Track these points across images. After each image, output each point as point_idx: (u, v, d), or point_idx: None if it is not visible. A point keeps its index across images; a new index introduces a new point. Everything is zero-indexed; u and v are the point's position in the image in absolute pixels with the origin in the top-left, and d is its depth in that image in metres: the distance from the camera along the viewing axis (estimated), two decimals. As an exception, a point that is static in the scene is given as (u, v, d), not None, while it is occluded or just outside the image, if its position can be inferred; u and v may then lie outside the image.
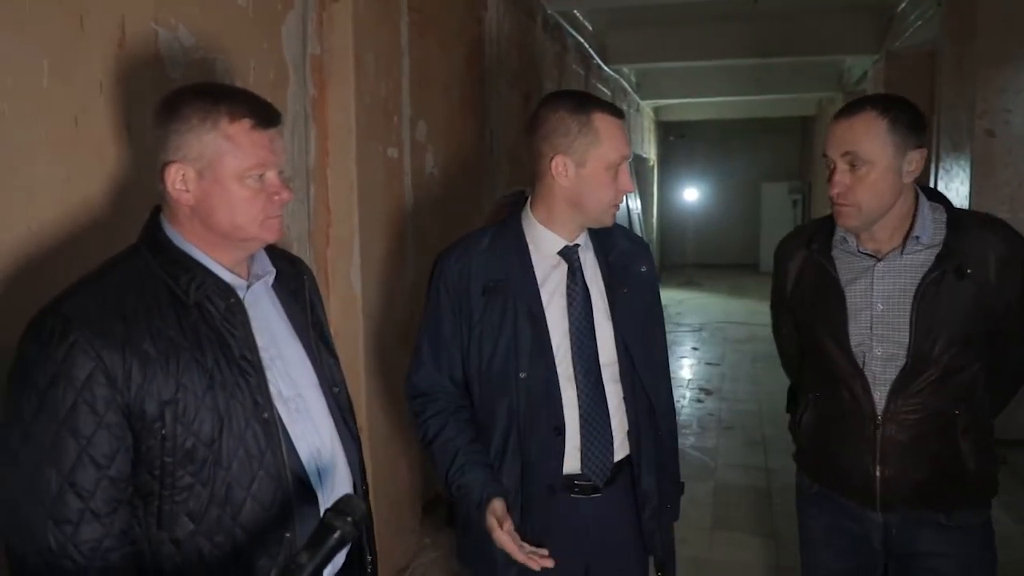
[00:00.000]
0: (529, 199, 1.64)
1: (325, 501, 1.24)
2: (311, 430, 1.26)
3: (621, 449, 1.60)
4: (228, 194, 1.16)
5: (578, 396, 1.55)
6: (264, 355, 1.21)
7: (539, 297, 1.55)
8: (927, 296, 1.52)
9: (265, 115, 1.19)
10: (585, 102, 1.54)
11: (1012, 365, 1.66)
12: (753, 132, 14.15)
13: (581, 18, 6.90)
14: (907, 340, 1.53)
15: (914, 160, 1.51)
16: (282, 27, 2.42)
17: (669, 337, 2.01)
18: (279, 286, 1.32)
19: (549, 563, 1.45)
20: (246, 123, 1.16)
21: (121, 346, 1.07)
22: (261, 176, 1.18)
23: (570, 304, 1.57)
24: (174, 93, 1.19)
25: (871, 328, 1.57)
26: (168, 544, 1.12)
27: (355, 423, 1.41)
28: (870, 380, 1.58)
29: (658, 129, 13.70)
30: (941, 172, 5.04)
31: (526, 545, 1.46)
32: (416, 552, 3.23)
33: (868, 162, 1.48)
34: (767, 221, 13.73)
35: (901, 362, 1.54)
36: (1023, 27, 4.33)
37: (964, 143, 4.59)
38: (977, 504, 1.61)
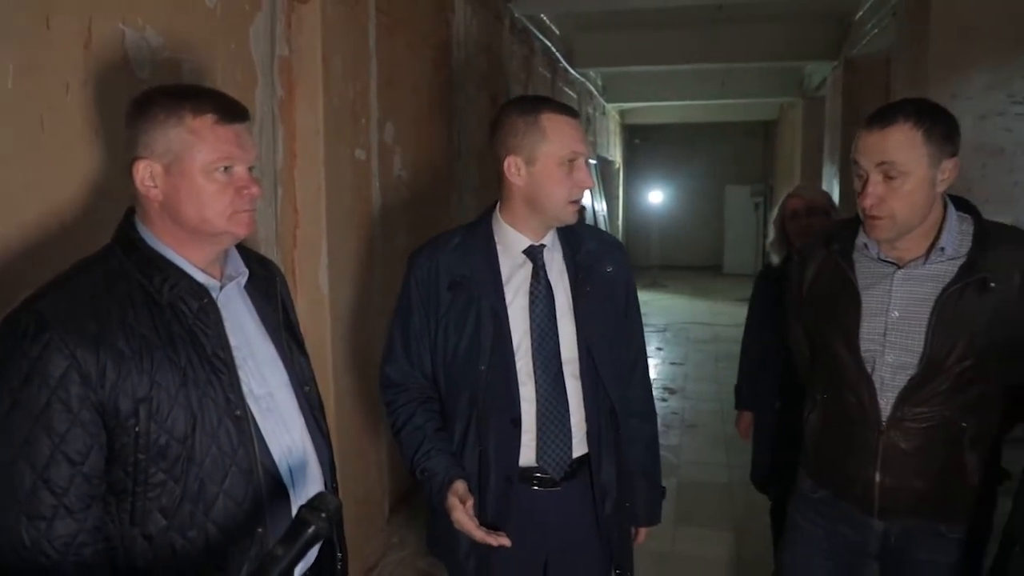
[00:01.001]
0: (498, 202, 1.68)
1: (296, 498, 1.26)
2: (282, 428, 1.28)
3: (581, 445, 1.64)
4: (195, 188, 1.17)
5: (536, 391, 1.59)
6: (236, 354, 1.23)
7: (502, 294, 1.59)
8: (947, 307, 1.48)
9: (230, 110, 1.21)
10: (535, 104, 1.59)
11: None
12: (717, 136, 14.36)
13: (548, 22, 6.96)
14: (921, 348, 1.50)
15: (947, 169, 1.47)
16: (250, 28, 2.42)
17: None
18: (251, 287, 1.34)
19: (506, 542, 1.50)
20: (210, 118, 1.18)
21: (95, 344, 1.08)
22: (228, 170, 1.20)
23: (532, 302, 1.61)
24: (142, 93, 1.21)
25: (884, 334, 1.55)
26: (141, 540, 1.14)
27: (325, 421, 1.44)
28: (877, 386, 1.55)
29: (624, 132, 13.83)
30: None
31: (476, 529, 1.51)
32: (384, 551, 3.24)
33: (904, 173, 1.44)
34: (730, 223, 13.95)
35: (912, 370, 1.51)
36: (974, 36, 4.48)
37: (917, 148, 4.73)
38: (977, 516, 1.57)
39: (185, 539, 1.15)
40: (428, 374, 1.66)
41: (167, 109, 1.17)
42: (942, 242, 1.51)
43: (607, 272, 1.70)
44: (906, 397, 1.52)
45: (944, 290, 1.49)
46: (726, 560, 3.27)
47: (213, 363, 1.19)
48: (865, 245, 1.60)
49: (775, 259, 2.72)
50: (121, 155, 1.79)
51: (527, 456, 1.60)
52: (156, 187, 1.18)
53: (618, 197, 12.92)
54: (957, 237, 1.53)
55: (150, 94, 1.20)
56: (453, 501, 1.52)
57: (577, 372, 1.62)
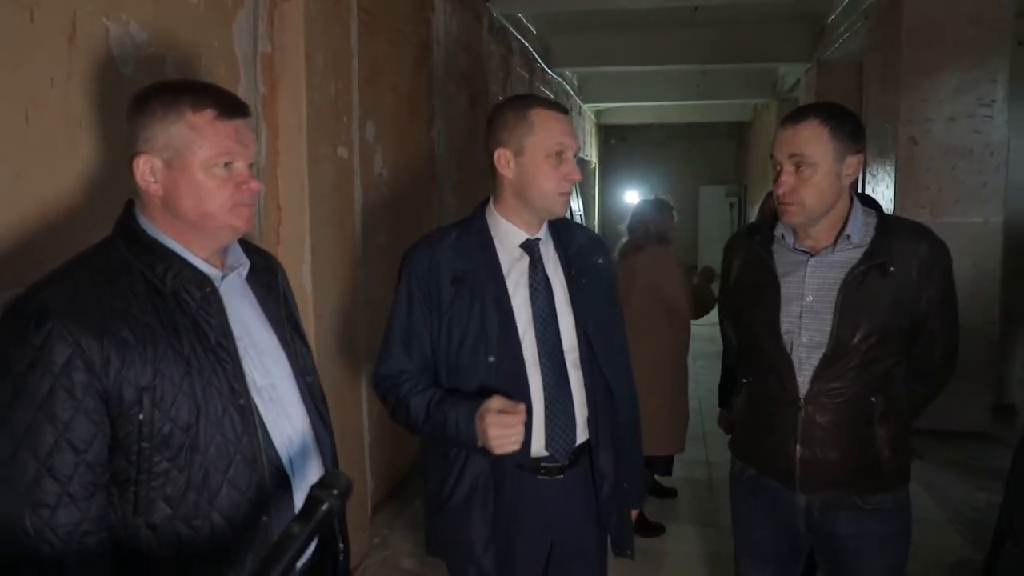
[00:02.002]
0: (492, 197, 1.70)
1: (298, 487, 1.26)
2: (284, 418, 1.28)
3: (582, 432, 1.67)
4: (195, 183, 1.17)
5: (543, 380, 1.61)
6: (238, 344, 1.23)
7: (505, 287, 1.61)
8: (850, 289, 1.63)
9: (230, 106, 1.21)
10: (526, 100, 1.64)
11: (936, 362, 1.77)
12: (692, 136, 14.50)
13: (526, 21, 6.98)
14: (830, 328, 1.64)
15: (852, 164, 1.63)
16: (233, 25, 2.40)
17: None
18: (252, 278, 1.34)
19: (522, 407, 1.46)
20: (209, 113, 1.17)
21: (99, 332, 1.08)
22: (228, 165, 1.20)
23: (532, 294, 1.64)
24: (143, 89, 1.21)
25: (800, 317, 1.68)
26: (145, 529, 1.13)
27: (328, 412, 1.44)
28: (795, 365, 1.67)
29: (599, 132, 13.91)
30: (868, 177, 5.28)
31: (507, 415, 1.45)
32: (367, 551, 3.23)
33: (811, 164, 1.60)
34: (705, 223, 14.09)
35: (824, 349, 1.64)
36: (944, 41, 4.58)
37: (889, 150, 4.83)
38: (890, 489, 1.70)
39: (190, 528, 1.15)
40: (428, 369, 1.65)
41: (167, 105, 1.16)
42: (848, 230, 1.66)
43: (599, 264, 1.76)
44: (819, 374, 1.65)
45: (849, 273, 1.64)
46: (706, 555, 3.31)
47: (217, 352, 1.18)
48: (783, 236, 1.74)
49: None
50: (108, 149, 1.79)
51: (536, 445, 1.61)
52: (156, 182, 1.18)
53: (594, 197, 12.98)
54: (862, 228, 1.67)
55: (150, 90, 1.20)
56: (488, 406, 1.45)
57: (577, 361, 1.66)
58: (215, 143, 1.17)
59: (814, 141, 1.60)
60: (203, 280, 1.21)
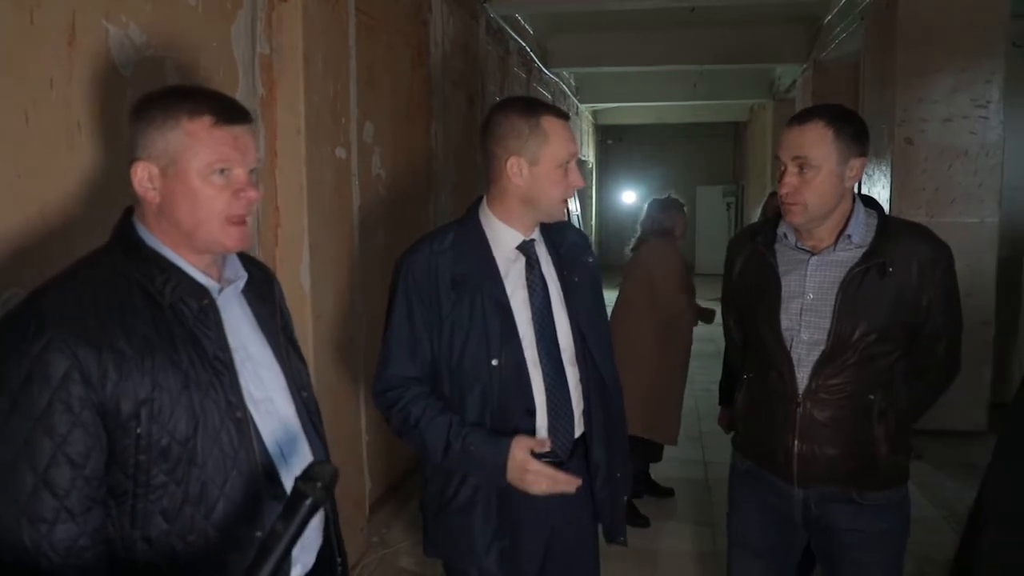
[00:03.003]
0: (485, 198, 1.71)
1: None
2: (281, 432, 1.27)
3: (579, 426, 1.70)
4: (191, 191, 1.16)
5: (544, 379, 1.64)
6: (235, 357, 1.21)
7: (504, 289, 1.63)
8: (851, 287, 1.65)
9: (228, 112, 1.19)
10: (534, 106, 1.65)
11: (940, 361, 1.78)
12: (689, 136, 14.53)
13: (523, 22, 6.99)
14: (830, 325, 1.66)
15: (855, 167, 1.65)
16: (232, 26, 2.41)
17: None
18: (249, 291, 1.32)
19: (578, 481, 1.57)
20: (207, 120, 1.16)
21: (97, 344, 1.07)
22: (225, 172, 1.17)
23: (531, 294, 1.66)
24: (144, 95, 1.20)
25: (800, 314, 1.70)
26: (141, 543, 1.12)
27: (322, 426, 1.42)
28: (795, 361, 1.70)
29: (597, 132, 13.92)
30: (864, 178, 5.30)
31: (559, 473, 1.56)
32: (365, 550, 3.24)
33: (815, 166, 1.62)
34: (702, 223, 14.09)
35: (823, 346, 1.67)
36: (939, 42, 4.60)
37: (885, 150, 4.85)
38: (888, 486, 1.72)
39: (185, 543, 1.14)
40: (429, 374, 1.66)
41: (164, 111, 1.15)
42: (849, 230, 1.68)
43: (589, 262, 1.79)
44: (818, 371, 1.68)
45: (849, 272, 1.66)
46: (703, 554, 3.32)
47: (214, 365, 1.17)
48: (785, 235, 1.76)
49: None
50: (107, 151, 1.80)
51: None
52: (154, 189, 1.17)
53: (592, 197, 13.00)
54: (863, 228, 1.70)
55: (151, 96, 1.19)
56: (520, 457, 1.53)
57: (573, 357, 1.69)
58: (212, 150, 1.16)
59: (818, 143, 1.62)
60: (201, 292, 1.19)
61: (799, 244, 1.74)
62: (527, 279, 1.66)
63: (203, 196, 1.17)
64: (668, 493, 3.94)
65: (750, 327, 1.84)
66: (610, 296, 3.12)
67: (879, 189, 4.98)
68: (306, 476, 0.93)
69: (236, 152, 1.18)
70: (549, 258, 1.73)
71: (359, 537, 3.21)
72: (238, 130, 1.20)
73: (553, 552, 1.72)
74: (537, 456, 1.63)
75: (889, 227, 1.70)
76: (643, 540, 3.43)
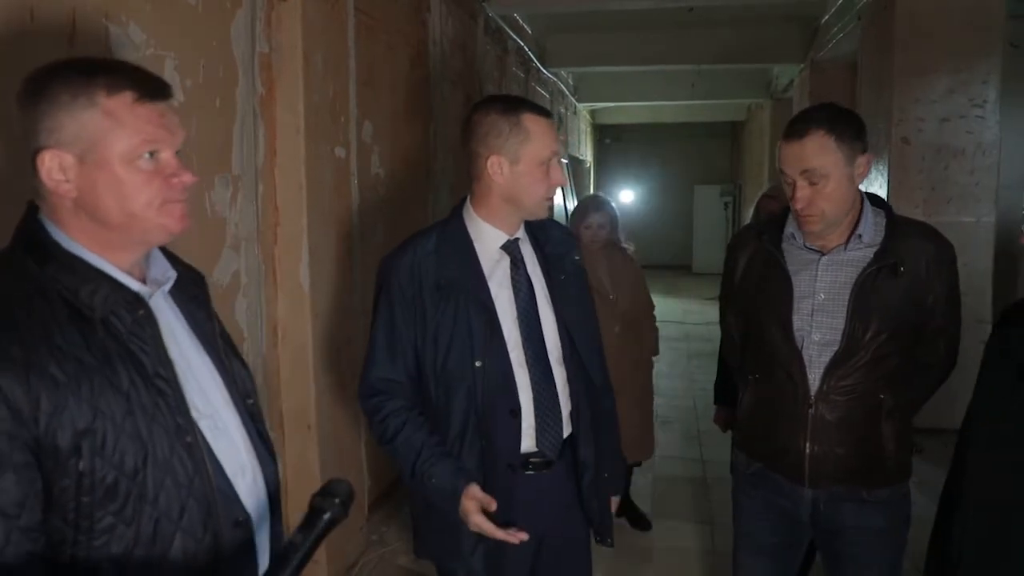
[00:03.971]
0: (469, 198, 1.71)
1: (257, 525, 1.16)
2: (232, 449, 1.14)
3: (566, 427, 1.69)
4: (116, 180, 1.00)
5: (530, 379, 1.63)
6: (176, 371, 1.07)
7: (488, 290, 1.63)
8: (864, 288, 1.65)
9: (150, 86, 1.03)
10: (514, 104, 1.64)
11: (940, 358, 1.80)
12: (686, 136, 14.53)
13: (521, 22, 7.00)
14: (843, 326, 1.66)
15: (862, 164, 1.65)
16: (231, 25, 2.41)
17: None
18: (177, 292, 1.16)
19: (524, 536, 1.54)
20: (128, 95, 1.00)
21: (24, 372, 0.91)
22: (153, 155, 1.03)
23: (516, 294, 1.65)
24: (40, 69, 1.01)
25: (812, 315, 1.69)
26: None
27: (268, 433, 1.29)
28: (807, 362, 1.69)
29: (594, 132, 13.93)
30: (862, 177, 5.30)
31: (498, 531, 1.54)
32: (364, 549, 3.25)
33: (824, 175, 1.61)
34: (699, 223, 14.12)
35: (836, 346, 1.66)
36: (936, 41, 4.61)
37: (882, 150, 4.86)
38: (893, 483, 1.74)
39: None
40: (414, 376, 1.66)
41: (74, 88, 0.98)
42: (860, 230, 1.68)
43: (575, 260, 1.79)
44: (831, 372, 1.68)
45: (861, 273, 1.66)
46: (702, 551, 3.33)
47: (156, 384, 1.02)
48: (792, 235, 1.76)
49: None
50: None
51: (526, 443, 1.63)
52: (68, 181, 1.00)
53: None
54: (872, 227, 1.70)
55: (51, 71, 1.00)
56: (470, 506, 1.54)
57: (560, 358, 1.68)
58: (137, 130, 1.00)
59: (822, 152, 1.60)
60: (134, 301, 1.04)
61: (808, 244, 1.73)
62: (512, 279, 1.66)
63: (131, 185, 1.01)
64: (645, 527, 3.55)
65: (755, 327, 1.83)
66: (609, 295, 3.13)
67: (876, 188, 4.99)
68: (324, 492, 0.93)
69: (163, 131, 1.03)
70: (535, 257, 1.72)
71: (358, 536, 3.22)
72: (163, 106, 1.04)
73: (543, 554, 1.72)
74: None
75: (898, 226, 1.70)
76: (642, 538, 3.45)
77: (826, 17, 6.64)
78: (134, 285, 1.06)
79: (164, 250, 1.17)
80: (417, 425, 1.63)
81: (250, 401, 1.22)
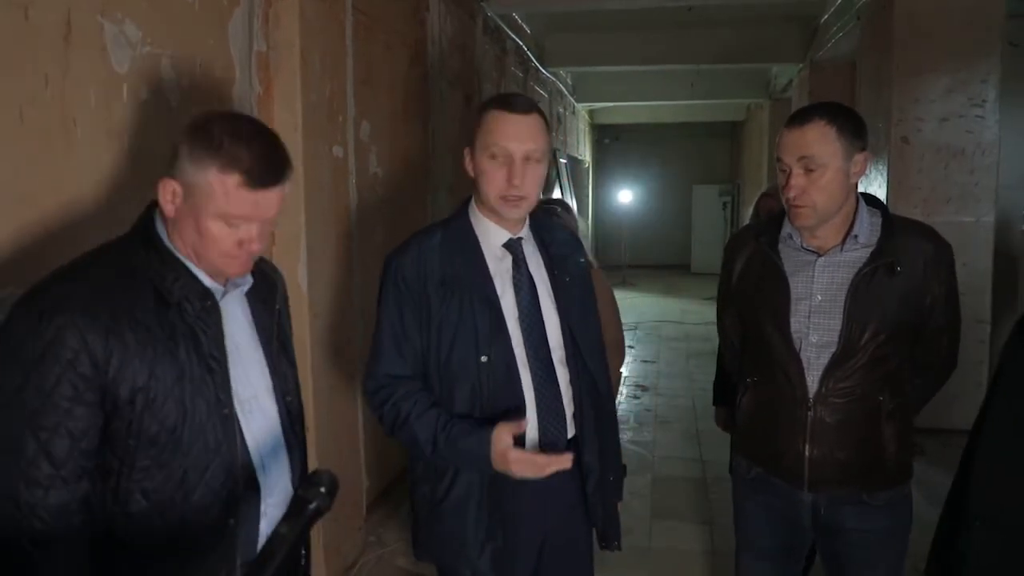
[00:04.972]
0: (474, 195, 1.70)
1: (267, 496, 1.34)
2: (263, 431, 1.35)
3: (569, 428, 1.68)
4: (202, 226, 1.22)
5: (533, 378, 1.62)
6: (228, 357, 1.28)
7: (493, 286, 1.62)
8: (860, 289, 1.64)
9: (262, 175, 1.21)
10: (494, 98, 1.64)
11: (940, 358, 1.80)
12: (685, 136, 14.53)
13: (520, 21, 6.99)
14: (840, 327, 1.65)
15: (859, 162, 1.64)
16: (229, 23, 2.40)
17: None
18: (252, 293, 1.39)
19: (568, 461, 1.52)
20: (235, 179, 1.19)
21: (105, 332, 1.14)
22: (235, 225, 1.23)
23: (517, 293, 1.64)
24: (200, 119, 1.24)
25: (809, 316, 1.69)
26: (121, 517, 1.20)
27: (303, 432, 1.49)
28: (805, 364, 1.68)
29: (593, 131, 13.92)
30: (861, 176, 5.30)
31: (539, 457, 1.51)
32: (363, 549, 3.24)
33: (821, 165, 1.60)
34: (698, 223, 14.12)
35: (834, 348, 1.66)
36: (935, 41, 4.61)
37: (882, 150, 4.86)
38: (894, 484, 1.73)
39: (162, 520, 1.22)
40: (419, 372, 1.65)
41: (205, 148, 1.20)
42: (855, 230, 1.67)
43: (580, 263, 1.78)
44: (829, 374, 1.67)
45: (857, 273, 1.65)
46: (701, 552, 3.32)
47: (208, 363, 1.24)
48: (790, 236, 1.75)
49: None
50: (104, 147, 1.79)
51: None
52: (172, 205, 1.24)
53: (588, 196, 13.00)
54: (868, 227, 1.69)
55: (208, 121, 1.22)
56: (503, 440, 1.49)
57: (564, 358, 1.67)
58: (229, 207, 1.21)
59: (822, 141, 1.60)
60: (205, 293, 1.27)
61: (805, 245, 1.72)
62: (514, 278, 1.65)
63: (208, 235, 1.23)
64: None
65: (753, 329, 1.82)
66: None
67: (875, 188, 4.98)
68: (308, 482, 0.99)
69: (253, 214, 1.23)
70: (539, 257, 1.71)
71: (357, 536, 3.21)
72: (265, 194, 1.23)
73: (546, 555, 1.71)
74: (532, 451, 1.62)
75: (894, 225, 1.69)
76: (641, 539, 3.44)
77: (825, 17, 6.63)
78: (207, 281, 1.28)
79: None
80: (429, 403, 1.61)
81: (289, 398, 1.42)
